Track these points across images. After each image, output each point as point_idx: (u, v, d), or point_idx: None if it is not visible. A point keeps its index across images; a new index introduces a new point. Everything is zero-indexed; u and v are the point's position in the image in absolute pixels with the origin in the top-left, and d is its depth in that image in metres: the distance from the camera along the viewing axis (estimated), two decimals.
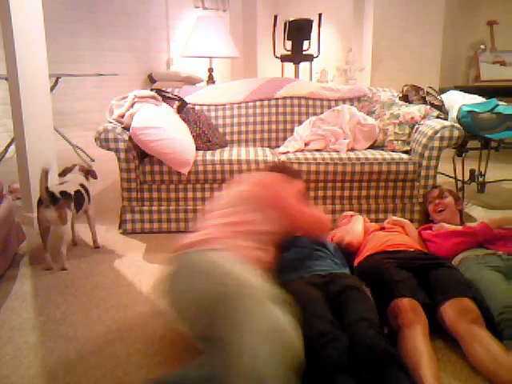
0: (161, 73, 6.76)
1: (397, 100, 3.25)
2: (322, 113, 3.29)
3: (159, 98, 2.93)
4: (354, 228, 2.23)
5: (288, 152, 2.88)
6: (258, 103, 3.34)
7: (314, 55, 5.63)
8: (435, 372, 1.39)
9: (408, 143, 2.94)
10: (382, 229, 2.24)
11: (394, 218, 2.39)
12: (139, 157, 2.75)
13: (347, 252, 2.13)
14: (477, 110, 3.06)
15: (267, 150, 3.00)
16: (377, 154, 2.80)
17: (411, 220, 2.80)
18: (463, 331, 1.54)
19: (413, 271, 1.78)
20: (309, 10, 7.06)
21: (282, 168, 2.08)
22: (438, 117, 2.99)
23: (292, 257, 1.90)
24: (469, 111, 3.07)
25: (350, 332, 1.42)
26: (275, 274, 1.80)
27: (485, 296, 1.68)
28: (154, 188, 2.75)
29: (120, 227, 2.81)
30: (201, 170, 2.70)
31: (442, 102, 3.26)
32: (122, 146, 2.66)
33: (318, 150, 2.91)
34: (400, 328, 1.55)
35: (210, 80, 4.89)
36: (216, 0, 7.89)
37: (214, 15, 7.47)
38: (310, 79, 6.08)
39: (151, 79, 6.81)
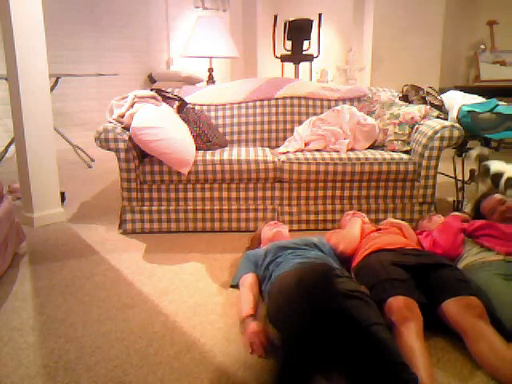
0: (161, 73, 6.77)
1: (397, 100, 3.25)
2: (321, 113, 3.29)
3: (159, 98, 2.93)
4: (350, 233, 2.17)
5: (288, 152, 2.88)
6: (258, 103, 3.34)
7: (314, 55, 5.63)
8: (430, 371, 1.38)
9: (408, 143, 2.95)
10: (378, 230, 2.23)
11: (392, 219, 2.38)
12: (139, 157, 2.75)
13: (341, 259, 2.11)
14: (477, 110, 3.06)
15: (267, 149, 3.00)
16: (377, 154, 2.80)
17: (411, 220, 2.80)
18: (468, 326, 1.54)
19: (411, 271, 1.78)
20: (309, 10, 7.06)
21: None
22: (438, 117, 2.99)
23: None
24: (469, 111, 3.07)
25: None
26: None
27: (495, 304, 1.65)
28: (154, 188, 2.75)
29: (120, 227, 2.81)
30: (201, 169, 2.70)
31: (442, 101, 3.26)
32: (122, 145, 2.66)
33: (318, 150, 2.91)
34: (394, 325, 1.55)
35: (210, 80, 4.89)
36: (216, 0, 7.89)
37: (214, 15, 7.46)
38: (310, 79, 6.08)
39: (151, 79, 6.82)
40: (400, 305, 1.58)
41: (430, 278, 1.76)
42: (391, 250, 1.93)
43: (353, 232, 2.18)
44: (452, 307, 1.60)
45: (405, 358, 1.41)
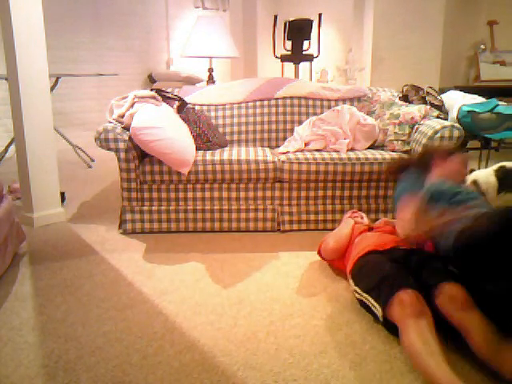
0: (161, 73, 6.77)
1: (397, 100, 3.25)
2: (321, 113, 3.29)
3: (159, 98, 2.93)
4: (341, 232, 2.24)
5: (288, 152, 2.88)
6: (258, 103, 3.34)
7: (314, 55, 5.64)
8: (448, 367, 1.36)
9: (408, 143, 2.94)
10: (371, 229, 2.24)
11: (385, 218, 2.41)
12: (139, 157, 2.75)
13: (333, 256, 2.21)
14: (477, 110, 3.06)
15: (267, 149, 3.00)
16: (377, 154, 2.80)
17: None
18: (458, 321, 1.53)
19: (406, 267, 1.78)
20: (309, 10, 7.06)
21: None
22: (438, 117, 2.99)
23: None
24: (469, 111, 3.07)
25: None
26: None
27: None
28: (154, 188, 2.75)
29: (120, 227, 2.81)
30: (201, 169, 2.70)
31: (442, 102, 3.26)
32: (122, 145, 2.66)
33: (318, 150, 2.91)
34: (405, 320, 1.52)
35: (210, 80, 4.89)
36: (216, 0, 7.89)
37: (214, 15, 7.46)
38: (310, 79, 6.08)
39: (151, 79, 6.82)
40: (413, 298, 1.56)
41: (418, 273, 1.77)
42: (384, 250, 1.94)
43: (342, 231, 2.26)
44: (438, 303, 1.60)
45: (419, 355, 1.40)
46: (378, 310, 1.67)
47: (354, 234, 2.21)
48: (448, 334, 1.59)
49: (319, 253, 2.31)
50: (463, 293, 1.58)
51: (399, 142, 2.95)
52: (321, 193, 2.80)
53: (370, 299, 1.73)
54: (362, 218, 2.45)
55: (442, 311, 1.59)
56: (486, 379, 1.45)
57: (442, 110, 3.18)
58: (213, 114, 3.34)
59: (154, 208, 2.77)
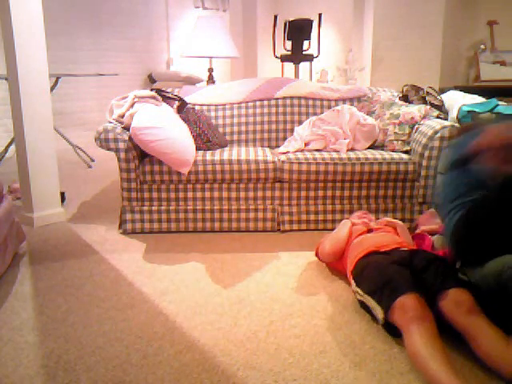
0: (161, 73, 6.77)
1: (397, 100, 3.25)
2: (321, 113, 3.29)
3: (159, 98, 2.93)
4: (337, 235, 2.23)
5: (288, 152, 2.88)
6: (258, 103, 3.34)
7: (314, 55, 5.64)
8: (454, 373, 1.35)
9: (408, 143, 2.94)
10: (370, 231, 2.23)
11: (387, 218, 2.39)
12: (139, 157, 2.75)
13: (330, 260, 2.21)
14: (477, 109, 3.06)
15: (267, 149, 3.00)
16: (377, 154, 2.80)
17: (411, 220, 2.80)
18: (464, 325, 1.52)
19: (409, 269, 1.77)
20: (309, 10, 7.06)
21: None
22: (438, 117, 2.99)
23: None
24: (469, 111, 3.07)
25: None
26: None
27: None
28: (154, 188, 2.75)
29: (120, 227, 2.81)
30: (201, 169, 2.70)
31: (442, 101, 3.26)
32: (122, 145, 2.66)
33: (318, 150, 2.91)
34: (408, 325, 1.51)
35: (210, 80, 4.90)
36: (216, 0, 7.89)
37: (214, 15, 7.46)
38: (310, 79, 6.09)
39: (151, 79, 6.82)
40: (415, 303, 1.55)
41: (421, 276, 1.76)
42: (387, 251, 1.94)
43: (339, 233, 2.24)
44: (443, 307, 1.59)
45: (423, 359, 1.39)
46: (378, 312, 1.66)
47: (351, 236, 2.19)
48: (447, 336, 1.59)
49: (317, 255, 2.31)
50: (470, 298, 1.58)
51: (399, 141, 2.95)
52: (321, 193, 2.80)
53: (372, 301, 1.71)
54: (369, 220, 2.39)
55: (446, 316, 1.58)
56: (487, 380, 1.45)
57: (442, 109, 3.17)
58: (213, 114, 3.34)
59: (153, 208, 2.77)
